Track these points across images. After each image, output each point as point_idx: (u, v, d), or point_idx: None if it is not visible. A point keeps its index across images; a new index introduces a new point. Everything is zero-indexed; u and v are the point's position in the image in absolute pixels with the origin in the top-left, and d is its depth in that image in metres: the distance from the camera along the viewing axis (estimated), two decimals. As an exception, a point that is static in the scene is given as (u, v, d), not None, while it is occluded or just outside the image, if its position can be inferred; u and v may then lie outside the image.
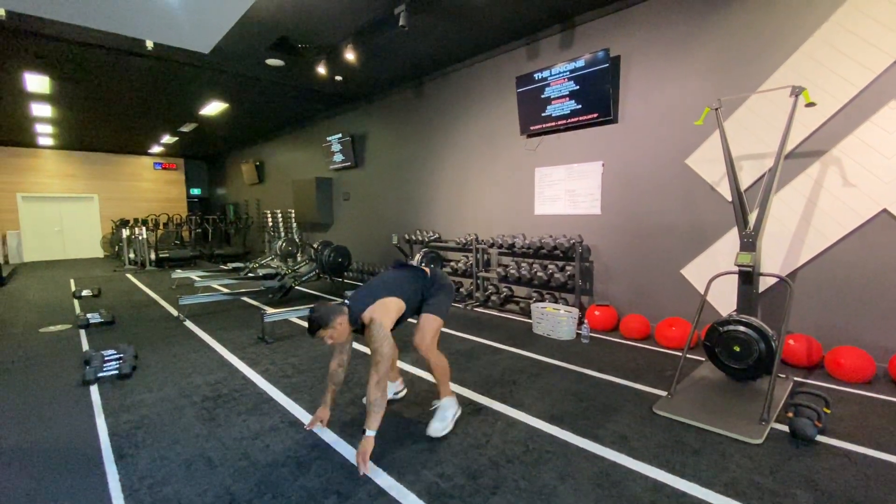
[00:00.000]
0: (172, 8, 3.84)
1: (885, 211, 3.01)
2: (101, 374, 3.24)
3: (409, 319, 2.51)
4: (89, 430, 2.48)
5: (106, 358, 3.53)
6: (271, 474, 2.02)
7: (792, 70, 3.34)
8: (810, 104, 2.89)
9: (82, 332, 4.57)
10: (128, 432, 2.44)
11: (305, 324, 4.71)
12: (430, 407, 2.52)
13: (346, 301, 2.30)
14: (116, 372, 3.28)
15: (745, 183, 3.56)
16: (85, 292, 6.72)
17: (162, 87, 6.86)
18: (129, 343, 4.01)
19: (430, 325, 2.37)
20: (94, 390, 3.04)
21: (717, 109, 3.15)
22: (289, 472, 2.03)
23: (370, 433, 2.05)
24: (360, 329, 2.29)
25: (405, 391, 2.89)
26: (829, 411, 2.39)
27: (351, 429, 2.43)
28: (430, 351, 2.35)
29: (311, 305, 2.20)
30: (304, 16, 4.46)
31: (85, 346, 4.08)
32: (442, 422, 2.35)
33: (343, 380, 2.48)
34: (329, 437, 2.35)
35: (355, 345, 3.89)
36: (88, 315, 5.06)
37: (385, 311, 2.24)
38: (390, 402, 2.73)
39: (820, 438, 2.25)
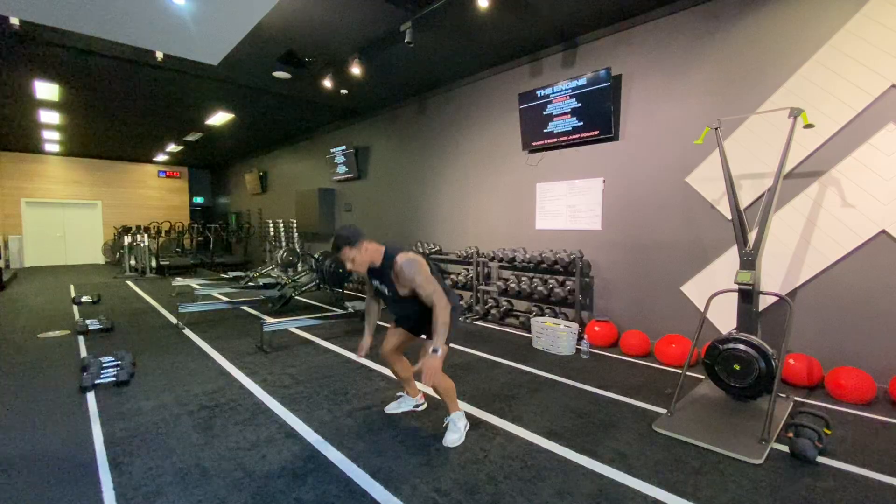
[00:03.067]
0: (184, 20, 3.92)
1: (883, 232, 3.03)
2: (98, 381, 3.23)
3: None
4: (85, 437, 2.47)
5: (104, 365, 3.52)
6: (267, 486, 2.00)
7: (791, 92, 3.39)
8: (808, 126, 2.93)
9: (81, 339, 4.56)
10: (123, 440, 2.43)
11: (305, 334, 4.73)
12: (442, 424, 2.55)
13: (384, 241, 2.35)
14: (114, 379, 3.27)
15: (744, 202, 3.59)
16: (84, 298, 6.72)
17: (170, 97, 6.96)
18: (127, 350, 4.00)
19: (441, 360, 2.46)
20: (91, 397, 3.02)
21: (716, 129, 3.20)
22: (284, 485, 2.01)
23: (440, 352, 2.12)
24: (382, 271, 2.31)
25: (424, 405, 2.88)
26: (829, 432, 2.38)
27: (348, 441, 2.42)
28: (435, 378, 2.35)
29: (340, 226, 2.27)
30: (312, 30, 4.55)
31: (83, 353, 4.07)
32: (456, 433, 2.43)
33: (379, 311, 2.63)
34: (326, 449, 2.34)
35: (366, 360, 3.87)
36: (87, 321, 5.05)
37: (419, 259, 2.28)
38: (405, 414, 2.78)
39: (820, 459, 2.23)
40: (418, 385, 2.91)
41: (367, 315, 2.64)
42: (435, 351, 2.10)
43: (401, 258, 2.25)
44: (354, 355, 4.00)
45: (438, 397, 2.58)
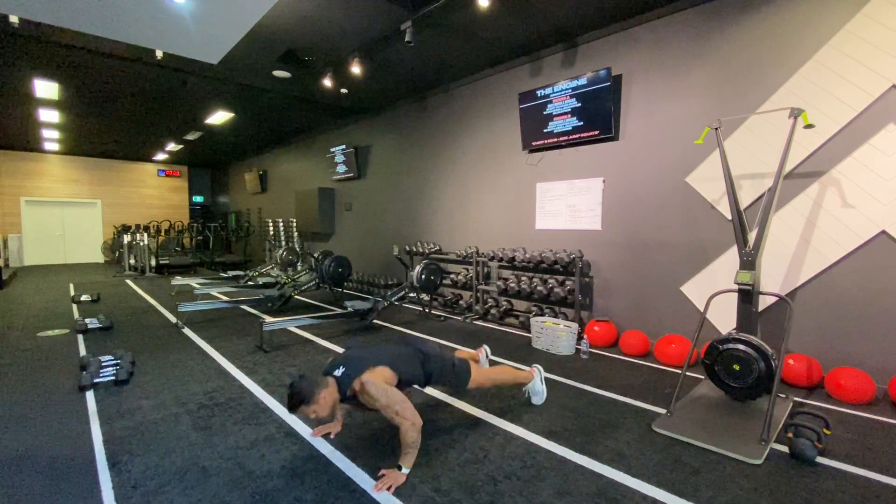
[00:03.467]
0: (184, 19, 3.92)
1: (883, 232, 3.03)
2: (97, 380, 3.22)
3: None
4: (84, 436, 2.46)
5: (103, 363, 3.51)
6: (266, 485, 2.00)
7: (791, 92, 3.39)
8: (809, 126, 2.93)
9: (80, 337, 4.56)
10: (122, 439, 2.43)
11: (305, 333, 4.72)
12: (522, 395, 2.97)
13: (335, 372, 2.14)
14: (113, 378, 3.26)
15: (744, 202, 3.58)
16: (84, 297, 6.72)
17: (170, 95, 6.95)
18: (126, 349, 4.00)
19: (475, 379, 2.53)
20: (90, 396, 3.02)
21: (717, 129, 3.19)
22: (284, 484, 2.01)
23: (406, 471, 2.03)
24: (348, 401, 2.17)
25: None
26: (829, 432, 2.38)
27: (346, 440, 2.41)
28: (488, 381, 2.65)
29: (291, 381, 2.06)
30: (312, 29, 4.54)
31: (82, 352, 4.06)
32: (538, 394, 2.88)
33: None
34: (325, 448, 2.33)
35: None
36: (87, 320, 5.05)
37: (374, 375, 2.13)
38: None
39: (820, 460, 2.23)
40: None
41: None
42: (400, 468, 2.03)
43: (357, 385, 2.10)
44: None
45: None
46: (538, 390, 2.89)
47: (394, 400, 2.05)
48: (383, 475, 2.02)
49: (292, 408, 2.00)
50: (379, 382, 2.09)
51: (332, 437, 2.44)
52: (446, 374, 2.45)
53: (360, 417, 2.70)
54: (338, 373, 2.14)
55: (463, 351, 3.05)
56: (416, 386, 2.46)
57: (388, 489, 1.95)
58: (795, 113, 2.92)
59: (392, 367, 2.23)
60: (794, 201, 3.39)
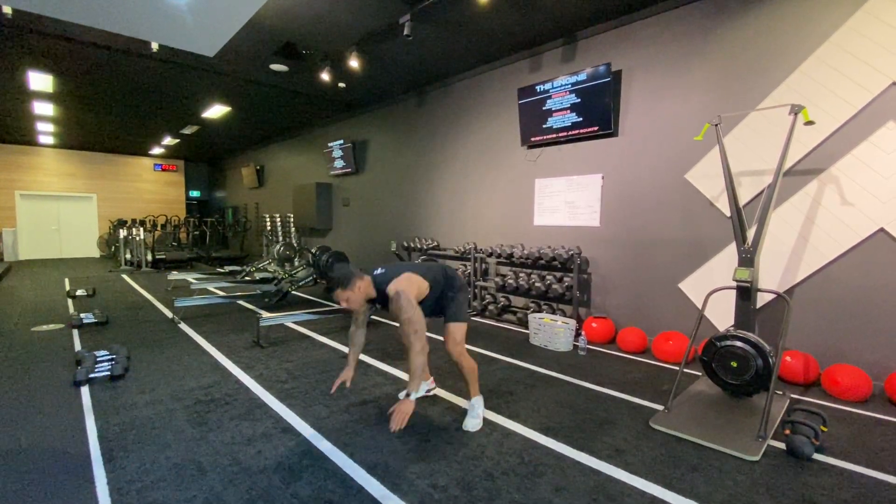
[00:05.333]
0: (179, 11, 3.86)
1: (882, 230, 3.03)
2: (92, 375, 3.20)
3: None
4: (78, 431, 2.45)
5: (98, 359, 3.49)
6: (262, 481, 1.99)
7: (791, 89, 3.38)
8: (809, 123, 2.92)
9: (75, 332, 4.53)
10: (118, 435, 2.41)
11: (302, 328, 4.70)
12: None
13: (375, 272, 2.35)
14: (108, 373, 3.24)
15: (743, 199, 3.58)
16: (79, 292, 6.68)
17: (165, 88, 6.88)
18: (122, 344, 3.97)
19: (459, 331, 2.48)
20: (85, 391, 3.00)
21: (716, 125, 3.18)
22: (280, 480, 2.00)
23: (414, 396, 2.10)
24: (380, 301, 2.34)
25: (435, 389, 2.98)
26: (825, 429, 2.38)
27: (344, 436, 2.41)
28: (462, 355, 2.49)
29: (332, 267, 2.24)
30: (310, 22, 4.50)
31: (77, 347, 4.03)
32: (475, 418, 2.55)
33: (364, 342, 2.61)
34: (322, 444, 2.32)
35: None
36: (82, 315, 5.02)
37: (409, 283, 2.28)
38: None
39: (817, 456, 2.24)
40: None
41: (350, 345, 2.57)
42: (408, 395, 2.08)
43: (392, 287, 2.25)
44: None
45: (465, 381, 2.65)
46: (477, 413, 2.56)
47: (416, 320, 2.16)
48: (393, 411, 2.05)
49: (330, 289, 2.20)
50: (411, 297, 2.21)
51: (347, 385, 2.50)
52: (459, 295, 2.54)
53: (358, 412, 2.69)
54: (378, 272, 2.35)
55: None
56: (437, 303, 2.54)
57: (402, 424, 2.00)
58: (796, 110, 2.91)
59: (425, 277, 2.39)
60: (793, 199, 3.39)
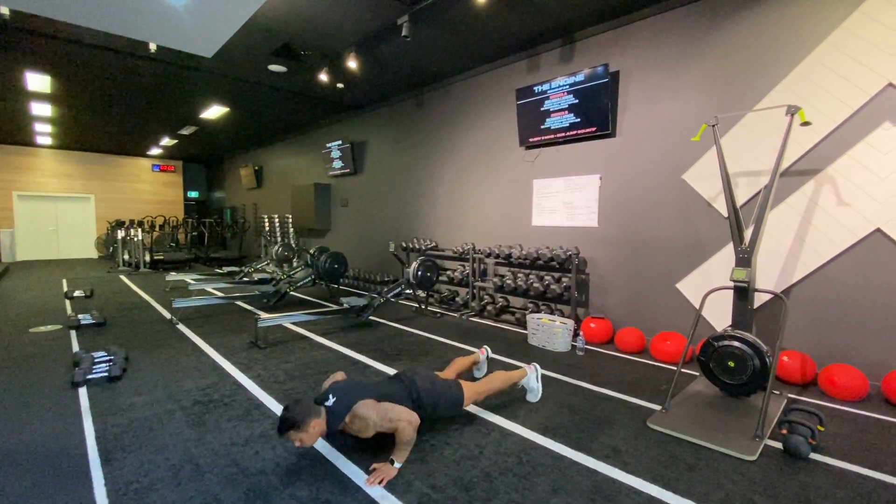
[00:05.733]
0: (177, 12, 3.86)
1: (878, 230, 3.04)
2: (90, 377, 3.19)
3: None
4: (76, 432, 2.44)
5: (96, 360, 3.48)
6: (260, 482, 1.99)
7: (788, 89, 3.39)
8: (805, 123, 2.93)
9: (73, 333, 4.52)
10: (115, 436, 2.40)
11: (300, 329, 4.70)
12: (517, 390, 2.99)
13: (327, 402, 2.14)
14: (106, 374, 3.23)
15: (740, 199, 3.59)
16: (77, 293, 6.66)
17: (163, 89, 6.88)
18: (120, 345, 3.97)
19: (469, 395, 2.55)
20: (83, 392, 2.99)
21: (713, 126, 3.19)
22: (278, 481, 2.00)
23: (398, 465, 2.06)
24: (337, 434, 2.21)
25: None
26: (822, 429, 2.39)
27: (342, 438, 2.40)
28: (484, 394, 2.65)
29: (286, 405, 2.06)
30: (308, 23, 4.50)
31: (75, 348, 4.03)
32: (532, 391, 2.91)
33: None
34: (320, 445, 2.32)
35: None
36: (80, 316, 5.01)
37: (365, 410, 2.10)
38: None
39: (814, 456, 2.24)
40: None
41: None
42: (392, 462, 2.05)
43: (349, 418, 2.10)
44: (350, 350, 4.00)
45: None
46: (533, 387, 2.91)
47: (384, 409, 2.11)
48: (375, 469, 2.03)
49: (281, 431, 2.00)
50: (369, 404, 2.12)
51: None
52: (440, 406, 2.42)
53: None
54: (329, 403, 2.14)
55: (463, 359, 3.00)
56: None
57: (380, 483, 1.95)
58: (792, 110, 2.92)
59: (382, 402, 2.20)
60: (790, 199, 3.40)
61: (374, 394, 2.24)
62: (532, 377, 2.91)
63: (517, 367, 3.61)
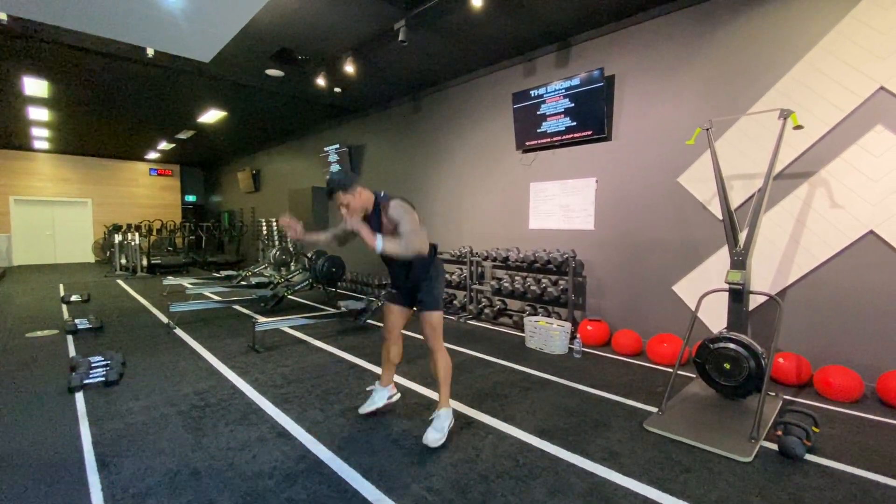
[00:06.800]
0: (175, 17, 3.88)
1: (871, 232, 3.07)
2: (87, 381, 3.19)
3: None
4: (73, 437, 2.44)
5: (93, 364, 3.47)
6: (257, 486, 1.99)
7: (781, 93, 3.42)
8: (798, 127, 2.96)
9: (69, 338, 4.51)
10: (112, 441, 2.40)
11: (298, 333, 4.70)
12: (429, 416, 2.47)
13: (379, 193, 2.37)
14: (103, 379, 3.23)
15: (735, 202, 3.61)
16: (74, 297, 6.65)
17: (161, 94, 6.89)
18: (116, 350, 3.96)
19: (436, 318, 2.45)
20: (80, 397, 2.99)
21: (708, 130, 3.22)
22: (275, 485, 2.00)
23: (379, 242, 2.16)
24: (374, 222, 2.32)
25: (398, 395, 2.86)
26: (817, 430, 2.40)
27: (339, 440, 2.41)
28: (439, 348, 2.45)
29: (331, 173, 2.28)
30: (306, 28, 4.52)
31: (72, 352, 4.02)
32: (439, 432, 2.33)
33: (334, 237, 2.69)
34: (317, 449, 2.33)
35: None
36: (76, 320, 5.00)
37: (411, 210, 2.29)
38: (396, 414, 2.75)
39: (809, 457, 2.26)
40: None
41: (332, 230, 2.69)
42: (376, 238, 2.15)
43: (393, 202, 2.28)
44: (347, 354, 4.00)
45: (437, 381, 2.50)
46: (442, 427, 2.35)
47: (413, 225, 2.24)
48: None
49: (330, 191, 2.21)
50: (406, 206, 2.28)
51: (290, 235, 2.52)
52: (436, 282, 2.51)
53: (354, 417, 2.69)
54: (380, 193, 2.37)
55: (390, 364, 2.78)
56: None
57: (359, 228, 2.15)
58: (785, 114, 2.96)
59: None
60: (784, 202, 3.43)
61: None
62: (448, 417, 2.42)
63: (513, 371, 3.63)
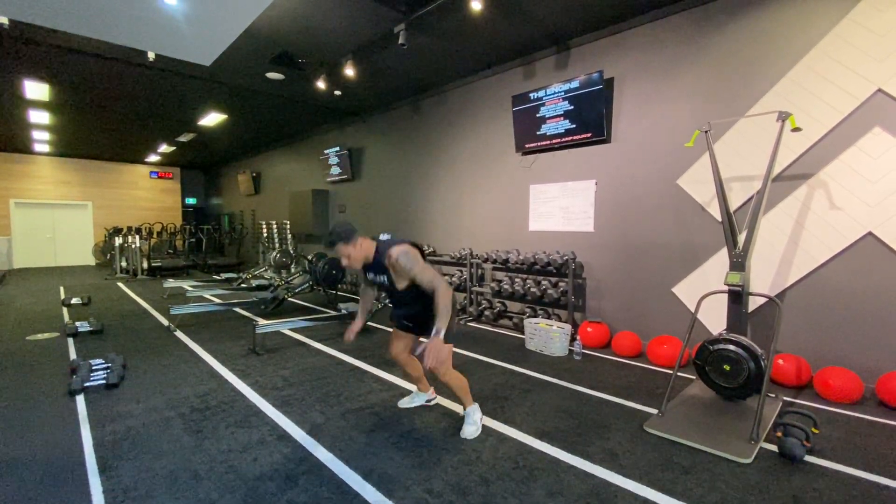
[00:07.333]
0: (176, 21, 3.90)
1: (870, 234, 3.07)
2: (87, 384, 3.19)
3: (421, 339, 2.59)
4: (74, 440, 2.44)
5: (93, 367, 3.48)
6: (258, 488, 1.99)
7: (779, 95, 3.44)
8: (796, 129, 2.97)
9: (70, 341, 4.51)
10: (113, 443, 2.41)
11: (298, 335, 4.70)
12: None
13: (380, 237, 2.40)
14: (104, 382, 3.23)
15: (734, 204, 3.62)
16: (74, 300, 6.65)
17: (162, 97, 6.91)
18: (117, 352, 3.97)
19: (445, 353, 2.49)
20: (81, 400, 2.99)
21: (706, 132, 3.23)
22: (276, 487, 2.01)
23: (443, 332, 2.10)
24: (375, 269, 2.36)
25: (437, 398, 2.97)
26: (817, 431, 2.41)
27: (340, 443, 2.41)
28: (447, 374, 2.46)
29: (333, 225, 2.31)
30: (306, 32, 4.54)
31: (72, 355, 4.02)
32: (472, 425, 2.54)
33: (373, 297, 2.77)
34: (318, 451, 2.33)
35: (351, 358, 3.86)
36: (77, 323, 5.00)
37: (411, 250, 2.30)
38: (396, 416, 2.77)
39: (808, 458, 2.26)
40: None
41: (361, 301, 2.75)
42: (437, 332, 2.09)
43: (395, 251, 2.28)
44: (348, 357, 4.00)
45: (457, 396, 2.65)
46: (474, 420, 2.55)
47: (427, 268, 2.27)
48: (425, 349, 2.07)
49: (331, 243, 2.22)
50: (412, 253, 2.28)
51: (351, 337, 2.56)
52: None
53: (354, 419, 2.70)
54: (382, 237, 2.40)
55: (417, 366, 2.86)
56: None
57: (438, 360, 2.07)
58: (783, 116, 2.97)
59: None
60: (783, 203, 3.44)
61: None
62: (478, 409, 2.63)
63: (513, 373, 3.63)
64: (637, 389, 3.25)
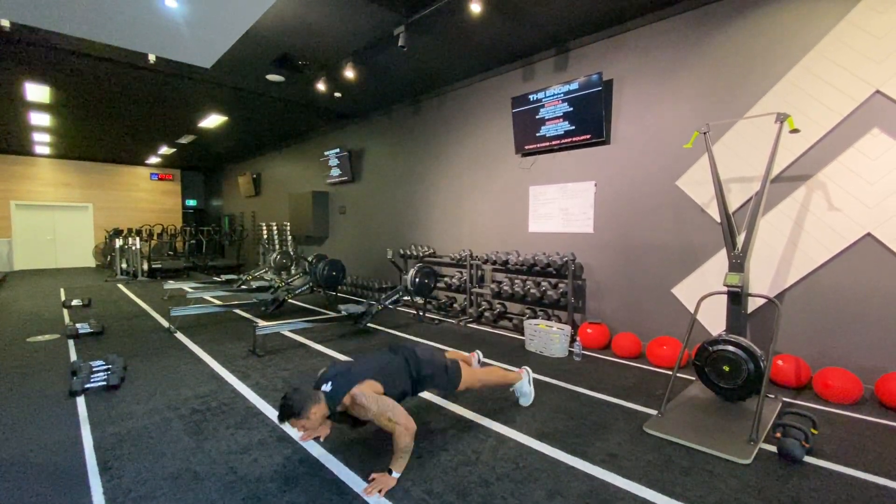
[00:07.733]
0: (176, 23, 3.92)
1: (869, 235, 3.08)
2: (88, 385, 3.20)
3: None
4: (74, 441, 2.45)
5: (94, 369, 3.49)
6: (258, 489, 2.00)
7: (778, 97, 3.45)
8: (794, 130, 2.98)
9: (71, 343, 4.52)
10: (114, 445, 2.41)
11: (298, 337, 4.71)
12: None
13: (323, 388, 2.13)
14: (104, 383, 3.24)
15: (733, 205, 3.63)
16: (75, 302, 6.66)
17: (162, 99, 6.93)
18: (118, 354, 3.97)
19: (469, 379, 2.60)
20: (81, 401, 3.00)
21: (705, 133, 3.24)
22: (276, 488, 2.01)
23: (396, 475, 2.03)
24: (339, 414, 2.17)
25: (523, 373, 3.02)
26: (816, 432, 2.41)
27: (339, 444, 2.42)
28: (483, 383, 2.71)
29: (286, 392, 2.07)
30: (306, 34, 4.56)
31: (73, 357, 4.03)
32: (525, 395, 2.93)
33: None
34: (317, 452, 2.34)
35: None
36: (77, 325, 5.01)
37: (363, 388, 2.14)
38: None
39: (807, 459, 2.26)
40: None
41: None
42: (390, 472, 2.02)
43: (348, 401, 2.11)
44: (348, 358, 4.01)
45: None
46: (525, 391, 2.93)
47: (386, 406, 2.08)
48: (374, 479, 2.03)
49: (283, 418, 2.04)
50: (369, 392, 2.12)
51: (321, 439, 2.41)
52: (438, 377, 2.47)
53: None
54: (326, 388, 2.12)
55: (455, 353, 3.05)
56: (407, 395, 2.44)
57: (379, 493, 1.95)
58: (781, 118, 2.98)
59: (379, 381, 2.22)
60: (782, 204, 3.45)
61: (372, 371, 2.25)
62: (525, 381, 2.92)
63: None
64: (637, 390, 3.25)
